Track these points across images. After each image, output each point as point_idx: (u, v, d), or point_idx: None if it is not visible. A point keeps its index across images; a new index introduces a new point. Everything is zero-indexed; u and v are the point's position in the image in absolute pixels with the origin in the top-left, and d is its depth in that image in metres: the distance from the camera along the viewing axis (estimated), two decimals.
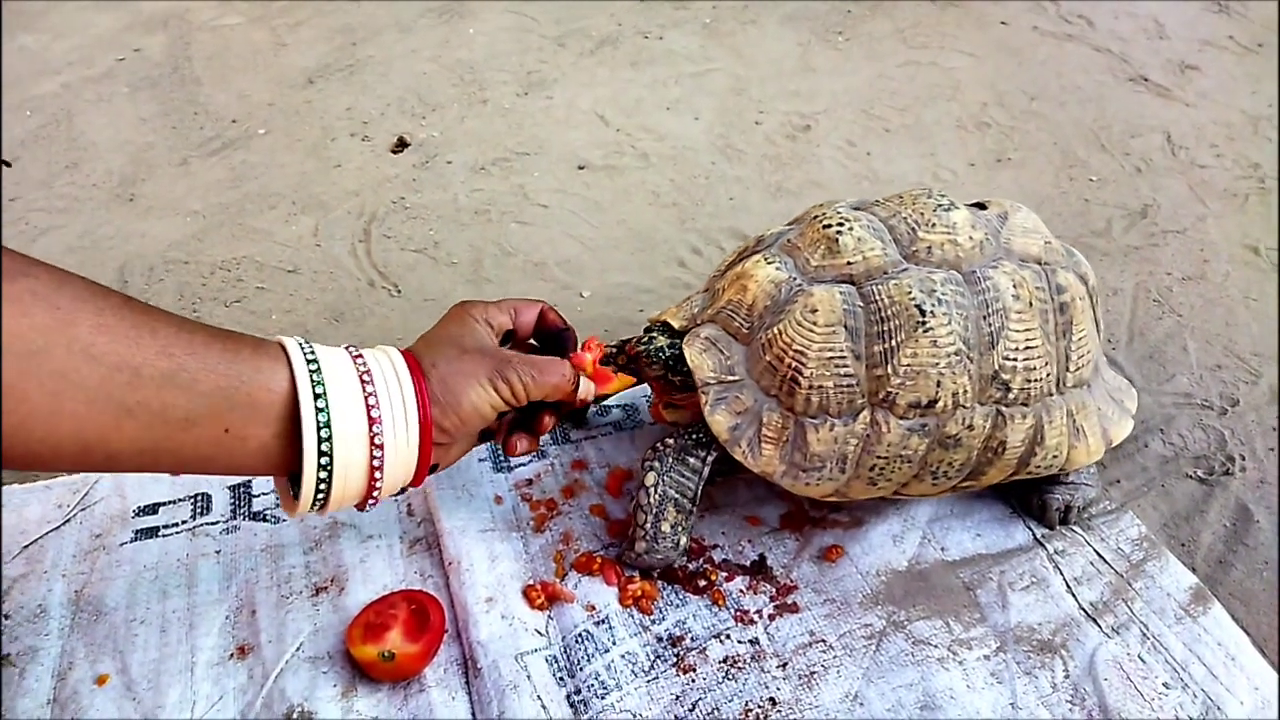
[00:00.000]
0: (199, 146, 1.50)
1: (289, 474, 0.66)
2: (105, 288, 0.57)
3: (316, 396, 0.62)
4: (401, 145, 1.50)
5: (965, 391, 0.78)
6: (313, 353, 0.64)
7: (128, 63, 1.73)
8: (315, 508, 0.66)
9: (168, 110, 1.59)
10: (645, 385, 0.87)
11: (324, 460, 0.63)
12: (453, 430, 0.70)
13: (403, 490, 0.72)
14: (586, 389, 0.79)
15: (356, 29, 1.84)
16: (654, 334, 0.83)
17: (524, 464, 0.94)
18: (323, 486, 0.64)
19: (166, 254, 1.26)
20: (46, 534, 0.86)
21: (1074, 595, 0.83)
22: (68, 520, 0.87)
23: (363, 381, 0.65)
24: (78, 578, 0.82)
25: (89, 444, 0.56)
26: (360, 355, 0.67)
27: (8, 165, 1.29)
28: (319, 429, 0.62)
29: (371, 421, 0.64)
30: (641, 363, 0.82)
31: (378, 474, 0.66)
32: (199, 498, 0.90)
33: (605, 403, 1.01)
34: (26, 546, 0.85)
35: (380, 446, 0.65)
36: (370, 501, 0.68)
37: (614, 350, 0.84)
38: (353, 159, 1.47)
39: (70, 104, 1.60)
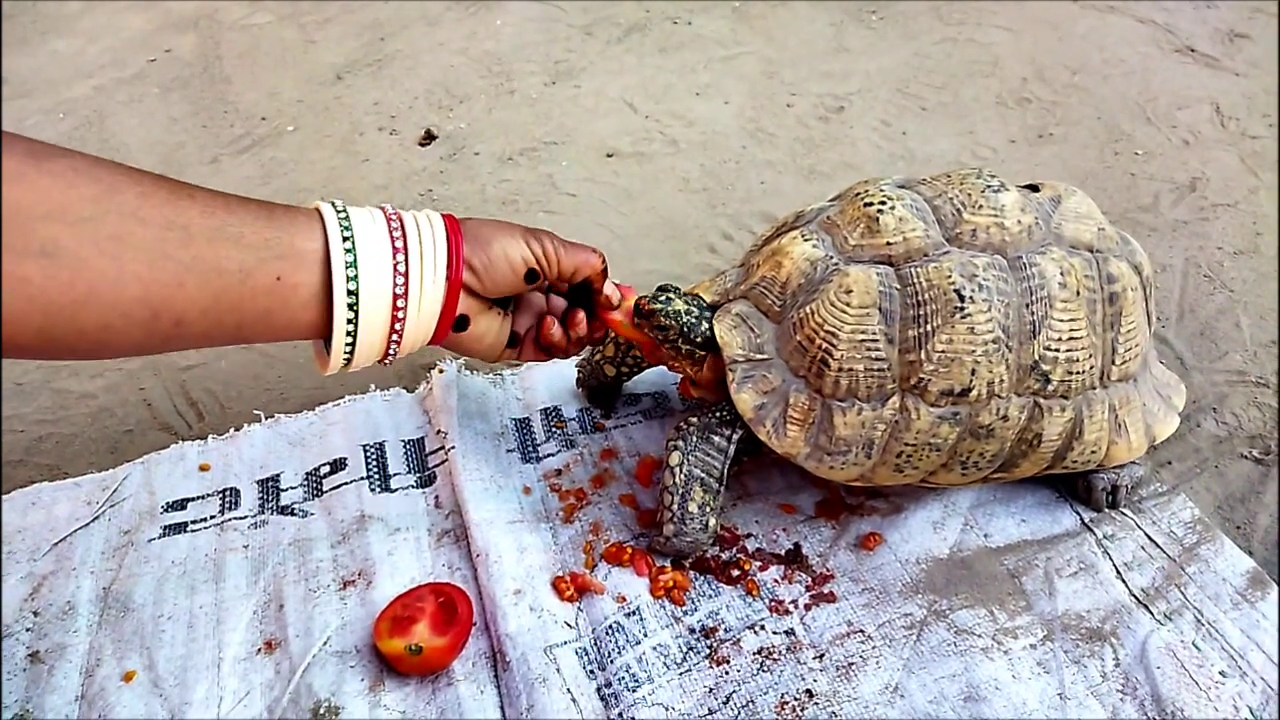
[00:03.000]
0: (229, 144, 1.50)
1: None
2: (137, 168, 0.58)
3: (345, 239, 0.64)
4: (429, 138, 1.49)
5: (1001, 381, 0.75)
6: (344, 209, 0.66)
7: (159, 63, 1.74)
8: (346, 355, 0.67)
9: (198, 109, 1.60)
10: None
11: (351, 295, 0.64)
12: (481, 271, 0.71)
13: (444, 341, 0.73)
14: (611, 290, 0.80)
15: (384, 24, 1.83)
16: (672, 295, 0.81)
17: (553, 454, 0.93)
18: (351, 322, 0.65)
19: None
20: (75, 531, 0.86)
21: (1124, 581, 0.80)
22: (96, 517, 0.87)
23: (389, 221, 0.67)
24: (106, 574, 0.82)
25: (155, 307, 0.57)
26: (397, 213, 0.69)
27: None
28: (346, 267, 0.63)
29: (395, 251, 0.66)
30: (653, 320, 0.80)
31: (400, 301, 0.66)
32: (227, 493, 0.89)
33: (633, 388, 0.99)
34: (56, 544, 0.85)
35: (404, 274, 0.66)
36: (394, 341, 0.68)
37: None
38: (381, 153, 1.46)
39: (103, 106, 1.61)
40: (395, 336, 0.68)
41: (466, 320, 0.72)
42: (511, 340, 0.78)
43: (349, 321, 0.65)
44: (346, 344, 0.66)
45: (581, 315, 0.80)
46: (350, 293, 0.64)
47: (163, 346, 0.61)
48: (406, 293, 0.66)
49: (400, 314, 0.67)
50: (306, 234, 0.63)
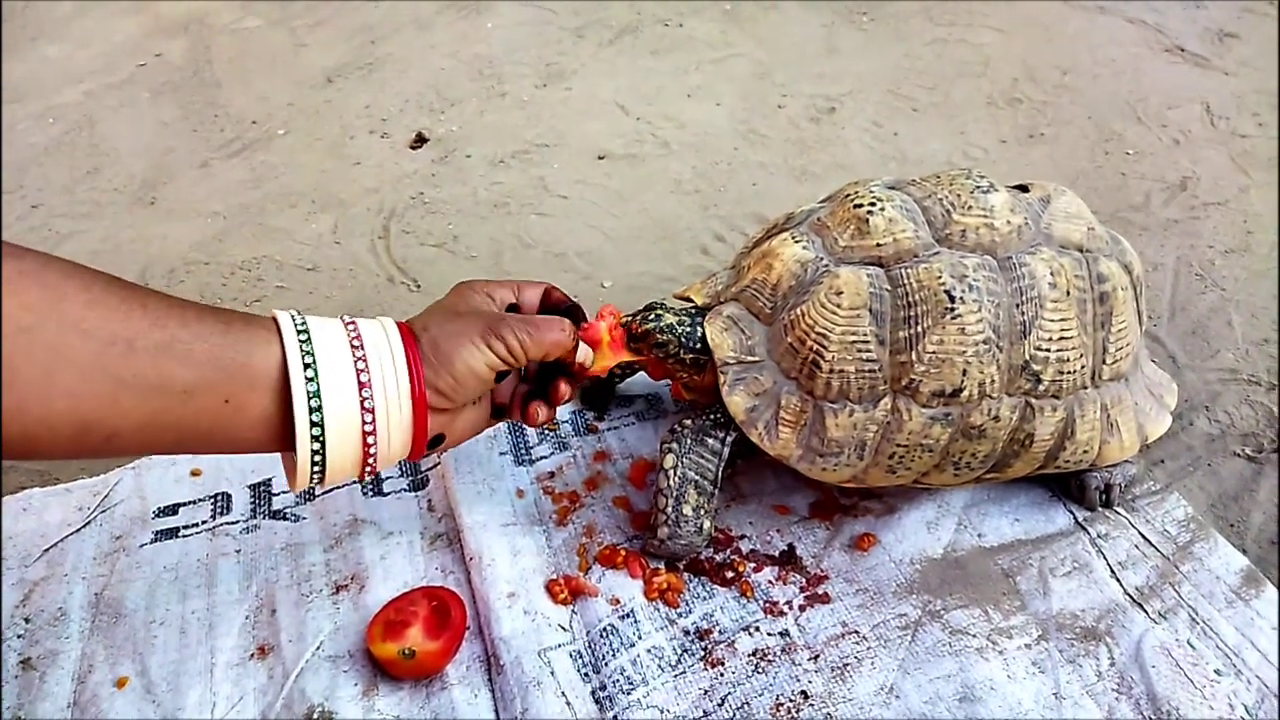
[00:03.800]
0: (219, 149, 1.50)
1: (290, 447, 0.65)
2: (92, 269, 0.56)
3: (306, 366, 0.61)
4: (420, 141, 1.49)
5: (992, 381, 0.75)
6: (304, 323, 0.63)
7: (149, 68, 1.73)
8: (314, 480, 0.64)
9: (188, 114, 1.59)
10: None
11: (316, 427, 0.62)
12: (448, 391, 0.68)
13: (423, 459, 0.71)
14: (585, 354, 0.76)
15: (375, 27, 1.83)
16: (660, 311, 0.81)
17: (546, 457, 0.92)
18: (318, 453, 0.63)
19: (187, 255, 1.26)
20: (67, 537, 0.85)
21: (1118, 580, 0.80)
22: (88, 523, 0.86)
23: (353, 347, 0.64)
24: (98, 580, 0.82)
25: (87, 422, 0.54)
26: (354, 323, 0.66)
27: None
28: (309, 396, 0.61)
29: (361, 385, 0.63)
30: (649, 341, 0.79)
31: (370, 438, 0.64)
32: (219, 497, 0.89)
33: (627, 389, 0.99)
34: (47, 550, 0.84)
35: (371, 410, 0.63)
36: (368, 469, 0.66)
37: (628, 319, 0.81)
38: (372, 156, 1.46)
39: (93, 110, 1.60)
40: (369, 467, 0.66)
41: (441, 437, 0.70)
42: (497, 411, 0.76)
43: (315, 451, 0.62)
44: (315, 469, 0.64)
45: (564, 386, 0.76)
46: (315, 424, 0.61)
47: (93, 456, 0.58)
48: (375, 427, 0.64)
49: (371, 448, 0.64)
50: (262, 353, 0.60)
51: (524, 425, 0.79)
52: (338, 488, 0.89)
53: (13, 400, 0.52)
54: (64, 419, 0.54)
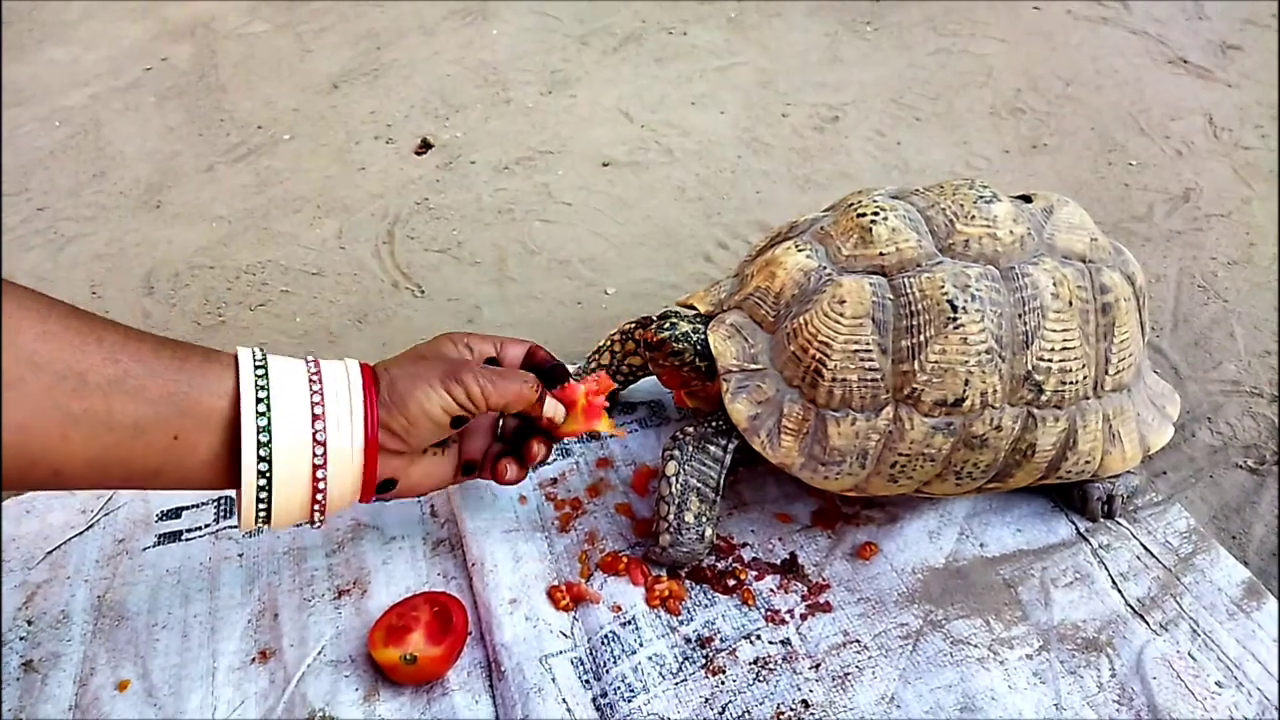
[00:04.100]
0: (225, 153, 1.50)
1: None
2: (50, 297, 0.56)
3: (259, 400, 0.61)
4: (425, 147, 1.49)
5: (994, 391, 0.75)
6: (263, 360, 0.63)
7: (155, 72, 1.74)
8: (260, 519, 0.63)
9: (194, 118, 1.60)
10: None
11: (263, 462, 0.61)
12: (401, 433, 0.67)
13: (372, 503, 0.70)
14: (555, 409, 0.75)
15: (380, 33, 1.83)
16: (674, 319, 0.81)
17: (548, 463, 0.92)
18: (264, 492, 0.62)
19: (192, 259, 1.26)
20: (70, 540, 0.85)
21: (1120, 591, 0.80)
22: (91, 526, 0.86)
23: (310, 384, 0.64)
24: (100, 583, 0.82)
25: (34, 456, 0.54)
26: (317, 362, 0.66)
27: None
28: (258, 431, 0.60)
29: (315, 419, 0.63)
30: (665, 350, 0.80)
31: (320, 472, 0.63)
32: (222, 501, 0.89)
33: (629, 396, 0.99)
34: (50, 552, 0.84)
35: (322, 444, 0.63)
36: (317, 510, 0.65)
37: (632, 326, 0.81)
38: (376, 162, 1.46)
39: (98, 114, 1.61)
40: (318, 506, 0.65)
41: (393, 482, 0.70)
42: (467, 468, 0.76)
43: (261, 488, 0.62)
44: (260, 509, 0.63)
45: (537, 446, 0.76)
46: (262, 459, 0.61)
47: (38, 488, 0.59)
48: (326, 462, 0.63)
49: (321, 485, 0.64)
50: (216, 390, 0.60)
51: (494, 483, 0.78)
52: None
53: None
54: (11, 453, 0.53)
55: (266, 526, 0.65)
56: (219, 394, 0.60)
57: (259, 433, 0.60)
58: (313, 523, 0.66)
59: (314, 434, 0.63)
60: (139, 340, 0.58)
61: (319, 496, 0.64)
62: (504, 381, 0.70)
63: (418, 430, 0.68)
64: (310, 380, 0.64)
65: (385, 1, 1.94)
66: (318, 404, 0.63)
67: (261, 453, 0.61)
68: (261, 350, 0.64)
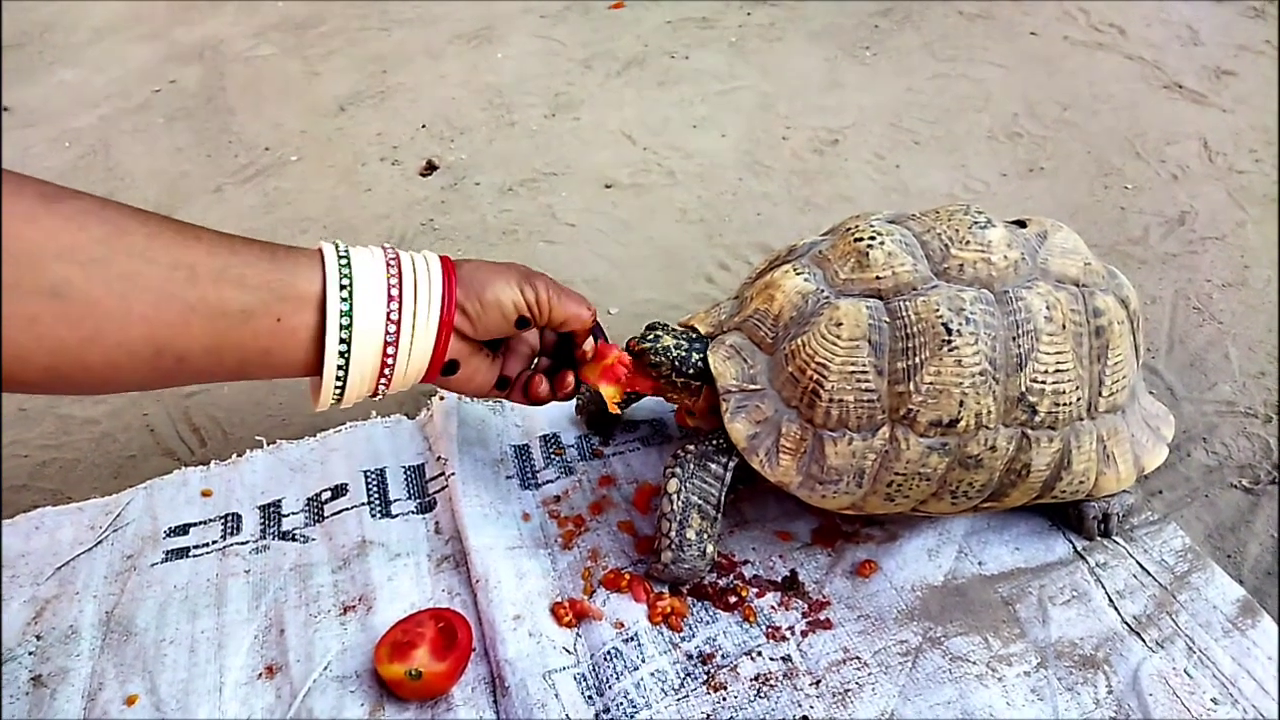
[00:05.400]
0: (233, 174, 1.52)
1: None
2: (142, 209, 0.59)
3: (343, 286, 0.65)
4: (430, 168, 1.51)
5: (989, 412, 0.76)
6: (346, 251, 0.67)
7: (164, 94, 1.76)
8: (336, 394, 0.68)
9: (203, 139, 1.62)
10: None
11: (345, 330, 0.65)
12: (473, 316, 0.72)
13: (435, 383, 0.75)
14: (590, 348, 0.80)
15: (387, 57, 1.86)
16: (659, 332, 0.83)
17: (551, 481, 0.94)
18: (344, 354, 0.66)
19: None
20: (78, 555, 0.86)
21: (1116, 609, 0.81)
22: (100, 542, 0.88)
23: (388, 266, 0.68)
24: (109, 599, 0.83)
25: (160, 345, 0.58)
26: (396, 252, 0.70)
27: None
28: (341, 315, 0.65)
29: (390, 299, 0.67)
30: (644, 360, 0.81)
31: (390, 349, 0.68)
32: (229, 518, 0.90)
33: (632, 415, 1.00)
34: (59, 568, 0.85)
35: (396, 323, 0.67)
36: (383, 384, 0.70)
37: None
38: (383, 183, 1.48)
39: (108, 135, 1.63)
40: (384, 380, 0.70)
41: (456, 365, 0.74)
42: (501, 383, 0.79)
43: (339, 366, 0.66)
44: (336, 385, 0.68)
45: (570, 377, 0.81)
46: (343, 340, 0.65)
47: (164, 383, 0.62)
48: (398, 340, 0.68)
49: (390, 359, 0.68)
50: (307, 276, 0.64)
51: (526, 402, 0.82)
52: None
53: (92, 327, 0.55)
54: (141, 343, 0.57)
55: (339, 404, 0.70)
56: (309, 280, 0.64)
57: (341, 316, 0.65)
58: (376, 393, 0.71)
59: (388, 314, 0.67)
60: (231, 238, 0.62)
61: (386, 371, 0.69)
62: (569, 298, 0.77)
63: (487, 317, 0.73)
64: (388, 264, 0.68)
65: (392, 26, 1.97)
66: (394, 286, 0.68)
67: (343, 336, 0.65)
68: (344, 245, 0.68)
